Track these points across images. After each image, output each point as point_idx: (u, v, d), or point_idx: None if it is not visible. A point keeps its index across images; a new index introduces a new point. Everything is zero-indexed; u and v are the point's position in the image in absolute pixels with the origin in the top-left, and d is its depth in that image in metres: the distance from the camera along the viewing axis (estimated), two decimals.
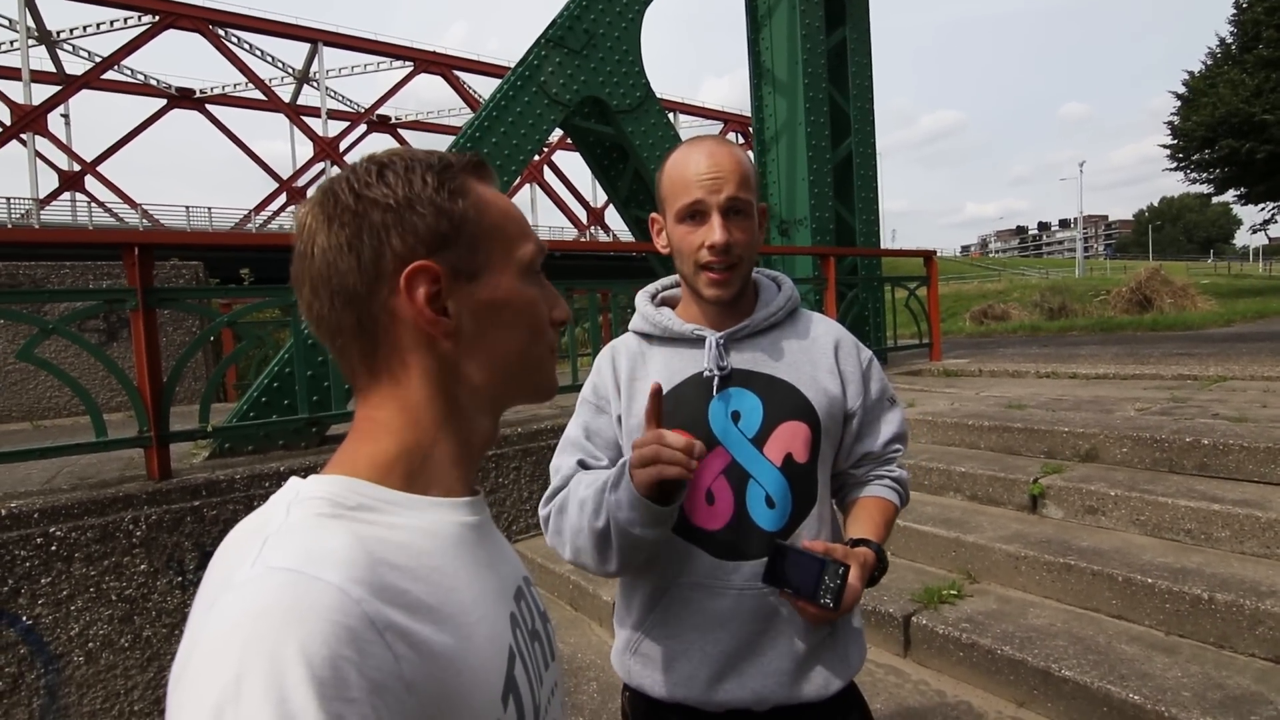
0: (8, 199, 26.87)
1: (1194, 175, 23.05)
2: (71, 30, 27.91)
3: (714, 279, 1.06)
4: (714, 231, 1.04)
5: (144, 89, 30.41)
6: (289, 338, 3.61)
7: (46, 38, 27.39)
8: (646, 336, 1.17)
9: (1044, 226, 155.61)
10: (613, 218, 36.98)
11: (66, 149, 27.63)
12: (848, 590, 0.95)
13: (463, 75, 33.68)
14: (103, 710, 2.57)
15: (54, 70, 28.05)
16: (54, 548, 2.50)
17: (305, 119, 30.80)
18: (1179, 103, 22.34)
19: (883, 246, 7.20)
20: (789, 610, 1.05)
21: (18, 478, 3.01)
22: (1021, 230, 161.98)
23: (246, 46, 29.30)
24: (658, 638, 1.09)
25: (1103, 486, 2.80)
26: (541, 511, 1.13)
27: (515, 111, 5.05)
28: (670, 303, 1.21)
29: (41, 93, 26.29)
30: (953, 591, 2.55)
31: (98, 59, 27.34)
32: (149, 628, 2.66)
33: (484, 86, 32.57)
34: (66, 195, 28.17)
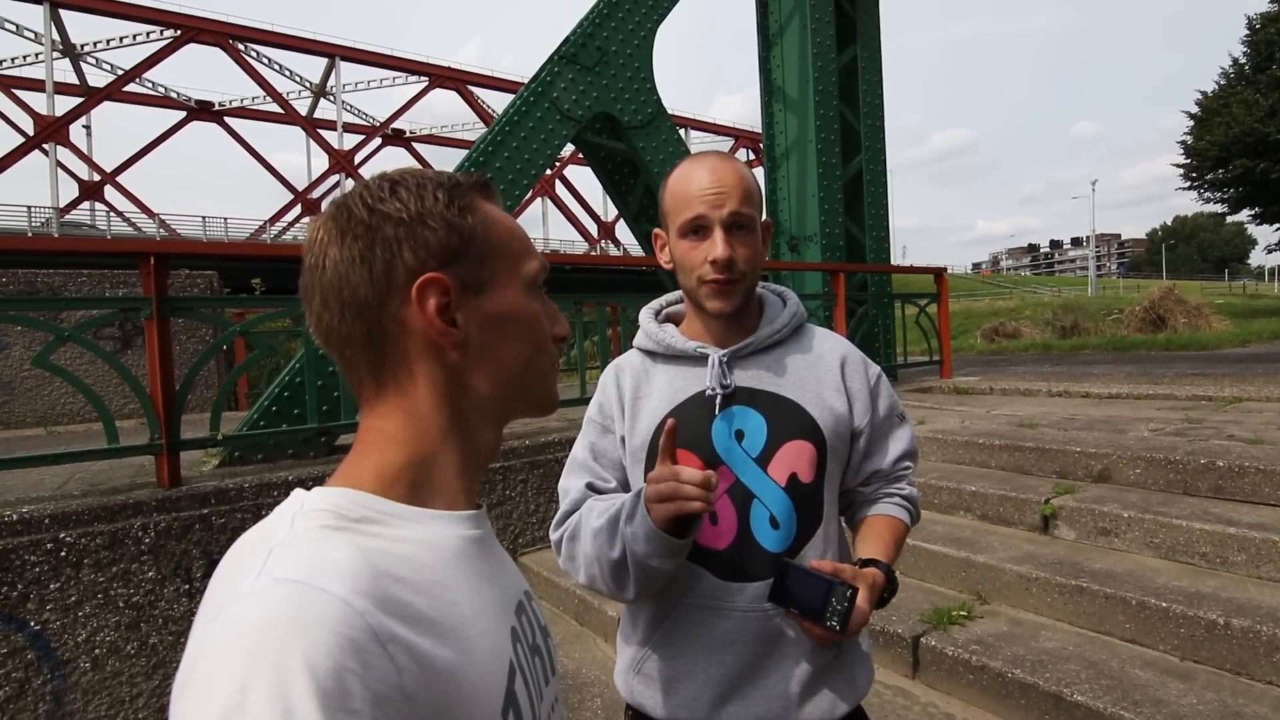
0: (29, 208, 27.32)
1: (1208, 195, 22.91)
2: (95, 44, 28.54)
3: (717, 291, 1.06)
4: (717, 246, 1.03)
5: (164, 101, 30.99)
6: (300, 347, 3.63)
7: (70, 51, 28.01)
8: (650, 354, 1.16)
9: (1056, 244, 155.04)
10: (623, 232, 37.19)
11: (87, 159, 28.14)
12: (855, 613, 0.94)
13: (477, 90, 34.11)
14: (107, 717, 2.57)
15: (77, 82, 28.64)
16: (63, 553, 2.51)
17: (321, 132, 31.26)
18: (1192, 122, 22.27)
19: (893, 263, 7.18)
20: (794, 632, 1.03)
21: (30, 483, 3.04)
22: (1033, 248, 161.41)
23: (265, 61, 29.84)
24: (661, 658, 1.08)
25: (1116, 508, 2.76)
26: (553, 536, 1.13)
27: (528, 127, 5.10)
28: (675, 319, 1.20)
29: (64, 104, 26.84)
30: (963, 612, 2.52)
31: (120, 72, 27.90)
32: (155, 635, 2.66)
33: (498, 101, 32.96)
34: (86, 204, 28.62)
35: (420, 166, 0.68)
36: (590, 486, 1.12)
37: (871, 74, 6.71)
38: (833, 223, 6.35)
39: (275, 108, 30.38)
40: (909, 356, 6.72)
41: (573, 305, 4.49)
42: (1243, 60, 21.48)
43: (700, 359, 1.10)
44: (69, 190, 28.16)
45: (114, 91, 27.68)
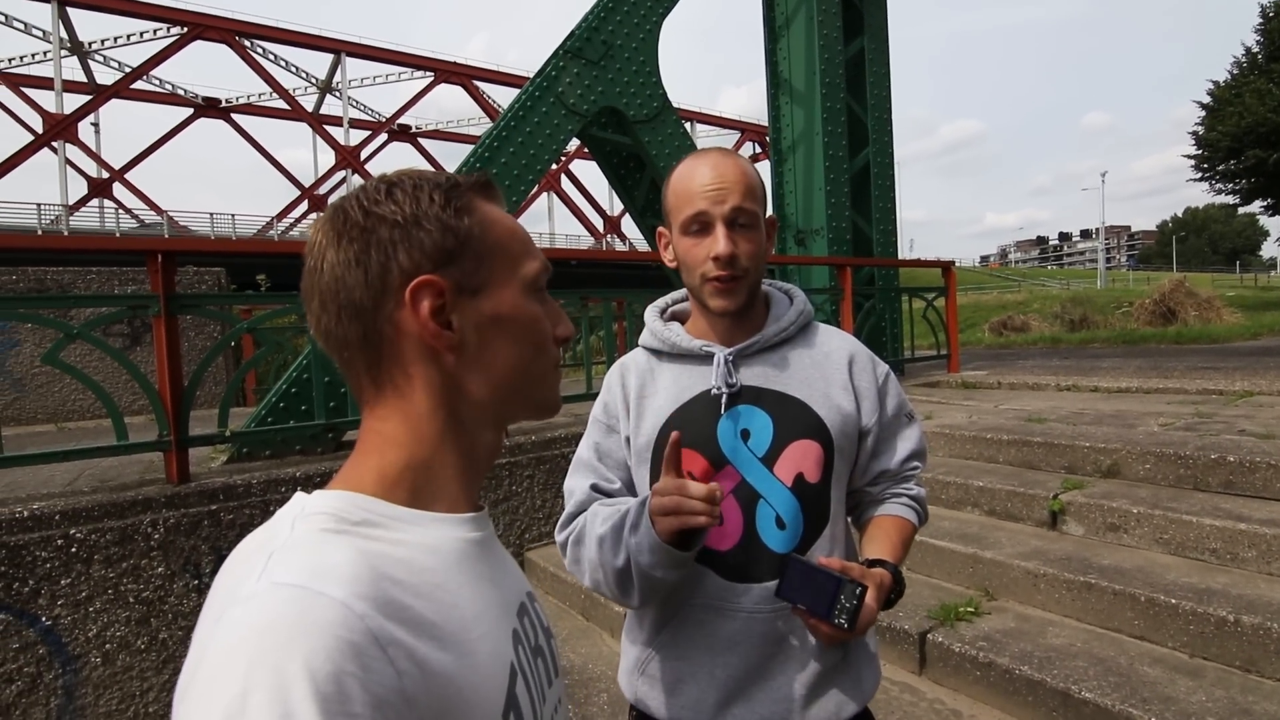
0: (38, 205, 27.51)
1: (1219, 186, 22.69)
2: (103, 41, 28.67)
3: (719, 289, 1.05)
4: (719, 242, 1.02)
5: (171, 98, 31.11)
6: (307, 344, 3.65)
7: (78, 49, 28.14)
8: (656, 353, 1.15)
9: (1065, 237, 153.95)
10: (629, 226, 37.15)
11: (96, 156, 28.31)
12: (864, 611, 0.93)
13: (482, 85, 34.09)
14: (118, 711, 2.59)
15: (85, 80, 28.78)
16: (74, 549, 2.53)
17: (328, 128, 31.33)
18: (1204, 112, 22.03)
19: (900, 257, 7.14)
20: (800, 634, 1.03)
21: (41, 479, 3.06)
22: (1042, 240, 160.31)
23: (271, 57, 29.90)
24: (665, 659, 1.07)
25: (1125, 503, 2.74)
26: (558, 537, 1.13)
27: (533, 121, 5.09)
28: (680, 317, 1.19)
29: (73, 102, 26.99)
30: (970, 609, 2.51)
31: (127, 69, 28.02)
32: (165, 630, 2.68)
33: (503, 96, 32.95)
34: (95, 201, 28.80)
35: (425, 166, 0.68)
36: (595, 488, 1.12)
37: (879, 66, 6.65)
38: (839, 216, 6.31)
39: (282, 104, 30.47)
40: (916, 351, 6.69)
41: (579, 300, 4.48)
42: (1256, 49, 21.22)
43: (706, 358, 1.09)
44: (78, 188, 28.35)
45: (122, 89, 27.82)
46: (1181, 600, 2.19)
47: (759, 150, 40.84)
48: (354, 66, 31.83)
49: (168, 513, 2.72)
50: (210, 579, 2.76)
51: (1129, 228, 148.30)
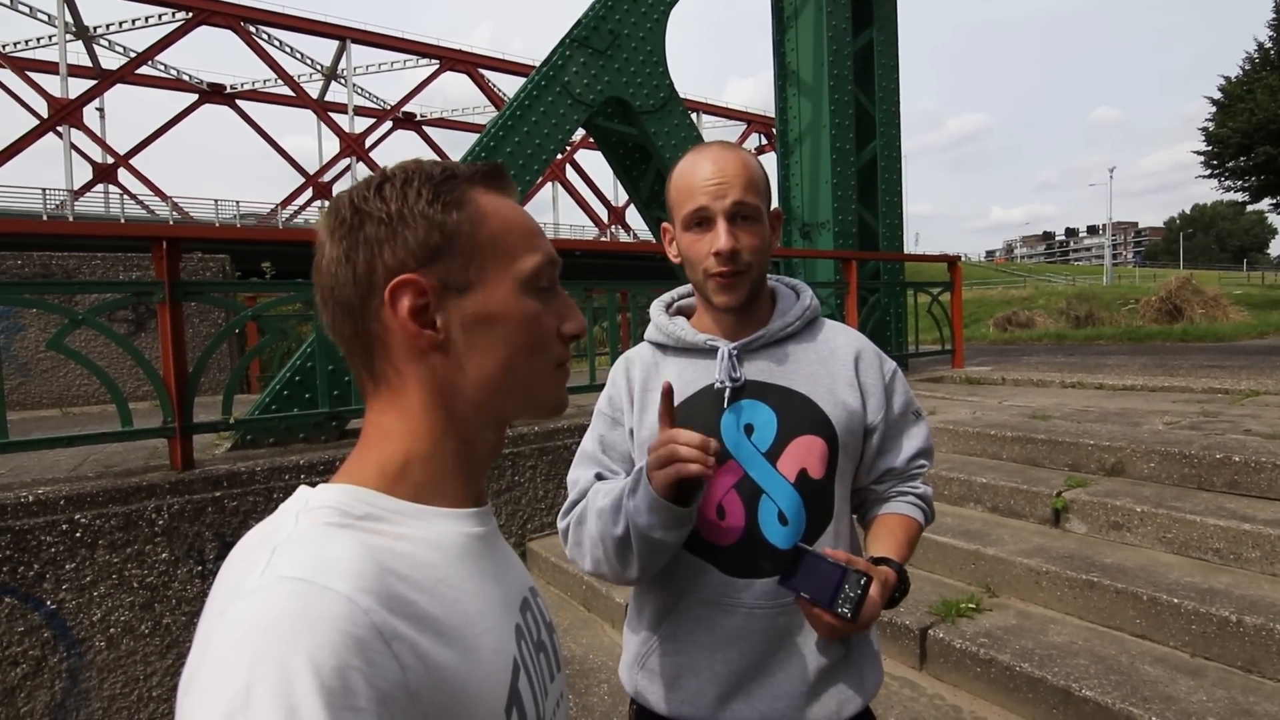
0: (44, 190, 27.53)
1: (1228, 183, 22.54)
2: (108, 26, 28.60)
3: (722, 284, 1.04)
4: (720, 238, 1.01)
5: (176, 84, 31.05)
6: (311, 332, 3.65)
7: (84, 33, 28.08)
8: (661, 346, 1.15)
9: (1071, 232, 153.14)
10: (634, 217, 37.08)
11: (101, 142, 28.30)
12: (868, 603, 0.92)
13: (488, 74, 33.94)
14: (122, 695, 2.61)
15: (90, 65, 28.73)
16: (79, 534, 2.55)
17: (332, 115, 31.24)
18: (1214, 108, 21.85)
19: (906, 251, 7.11)
20: (802, 631, 1.02)
21: (46, 464, 3.08)
22: (1048, 236, 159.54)
23: (277, 43, 29.81)
24: (666, 653, 1.07)
25: (1129, 502, 2.74)
26: (560, 524, 1.13)
27: (539, 111, 5.06)
28: (686, 311, 1.19)
29: (78, 87, 26.94)
30: (971, 605, 2.51)
31: (133, 54, 27.95)
32: (169, 615, 2.70)
33: (509, 85, 32.82)
34: (100, 187, 28.81)
35: (430, 154, 0.66)
36: (599, 479, 1.12)
37: (888, 58, 6.60)
38: (846, 210, 6.28)
39: (287, 91, 30.38)
40: (920, 346, 6.67)
41: (582, 291, 4.47)
42: (1269, 45, 21.01)
43: (710, 352, 1.09)
44: (83, 173, 28.35)
45: (127, 74, 27.77)
46: (1184, 600, 2.19)
47: (765, 142, 40.64)
48: (359, 54, 31.76)
49: (172, 499, 2.73)
50: (214, 565, 2.77)
51: (1136, 224, 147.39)
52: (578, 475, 1.14)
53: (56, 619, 2.51)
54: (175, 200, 29.44)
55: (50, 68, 27.08)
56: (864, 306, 5.79)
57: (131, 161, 28.71)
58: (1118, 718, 1.88)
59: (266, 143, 31.94)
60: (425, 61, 32.76)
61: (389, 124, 34.16)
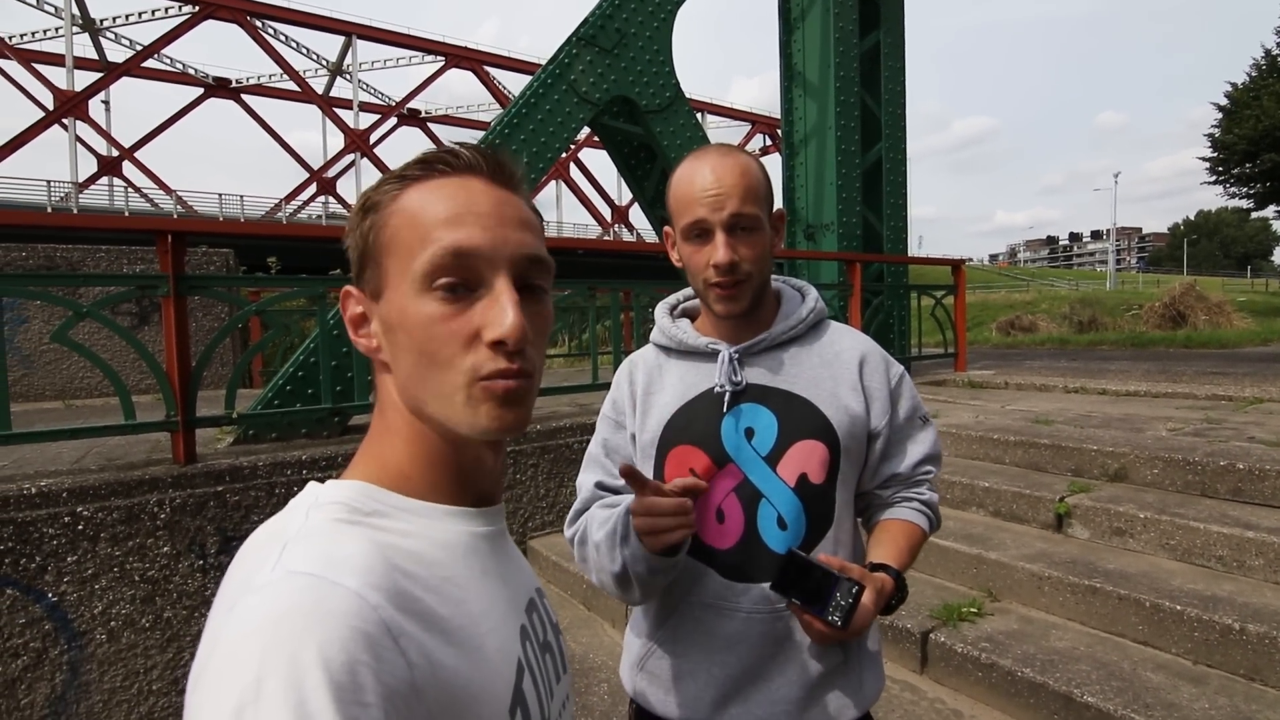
0: (48, 182, 27.57)
1: (1234, 189, 22.51)
2: (114, 19, 28.63)
3: (722, 295, 1.04)
4: (718, 251, 1.01)
5: (182, 78, 31.06)
6: (315, 327, 3.65)
7: (90, 25, 28.11)
8: (665, 349, 1.15)
9: (1075, 237, 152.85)
10: (637, 216, 37.03)
11: (106, 135, 28.31)
12: (860, 611, 0.93)
13: (493, 71, 33.93)
14: (122, 688, 2.62)
15: (96, 57, 28.75)
16: (80, 527, 2.55)
17: (337, 111, 31.24)
18: (1220, 115, 21.81)
19: (910, 253, 7.10)
20: (800, 636, 1.02)
21: (48, 456, 3.08)
22: (1052, 240, 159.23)
23: (282, 38, 29.82)
24: (665, 656, 1.08)
25: (1132, 508, 2.73)
26: (566, 533, 1.15)
27: (544, 109, 5.05)
28: (691, 314, 1.19)
29: (84, 79, 26.97)
30: (973, 609, 2.51)
31: (139, 47, 27.95)
32: (170, 609, 2.70)
33: (514, 83, 32.81)
34: (105, 180, 28.84)
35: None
36: (600, 484, 1.13)
37: (894, 60, 6.59)
38: (850, 212, 6.27)
39: (292, 86, 30.39)
40: (923, 349, 6.66)
41: (586, 290, 4.47)
42: (1275, 51, 20.96)
43: (712, 355, 1.09)
44: (87, 166, 28.38)
45: (133, 67, 27.77)
46: (1186, 606, 2.18)
47: (769, 143, 40.60)
48: (365, 49, 31.74)
49: (174, 493, 2.73)
50: (215, 560, 2.77)
51: (1140, 229, 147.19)
52: (582, 480, 1.16)
53: (58, 611, 2.51)
54: (180, 194, 29.47)
55: (56, 60, 27.09)
56: (867, 309, 5.78)
57: (136, 155, 28.74)
58: None
59: (271, 138, 31.94)
60: (431, 58, 32.75)
61: (394, 120, 34.15)
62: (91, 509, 2.57)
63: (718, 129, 39.06)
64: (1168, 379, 5.38)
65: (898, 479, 1.13)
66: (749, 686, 1.03)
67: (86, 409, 5.50)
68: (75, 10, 26.66)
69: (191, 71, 31.05)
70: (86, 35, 28.23)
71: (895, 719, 2.16)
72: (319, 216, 32.00)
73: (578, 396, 4.47)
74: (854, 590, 0.91)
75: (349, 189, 32.04)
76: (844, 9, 6.16)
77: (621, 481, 1.12)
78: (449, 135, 37.32)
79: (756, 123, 41.42)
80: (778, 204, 1.12)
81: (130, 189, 29.12)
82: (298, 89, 30.32)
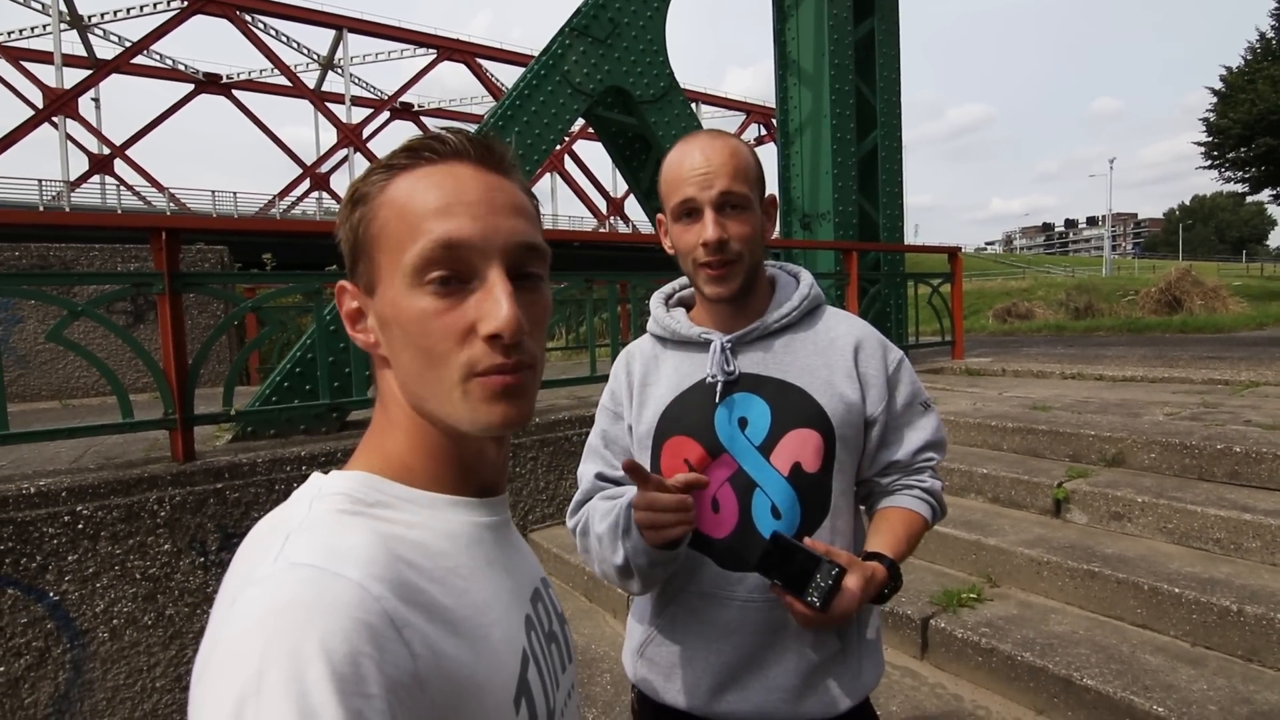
0: (39, 181, 27.38)
1: (1229, 174, 22.52)
2: (103, 15, 28.35)
3: (712, 275, 1.03)
4: (707, 228, 1.01)
5: (172, 74, 30.82)
6: (311, 323, 3.64)
7: (78, 22, 27.84)
8: (661, 340, 1.15)
9: (1071, 224, 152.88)
10: (632, 208, 36.95)
11: (96, 132, 28.11)
12: (843, 596, 0.92)
13: (486, 63, 33.71)
14: (125, 685, 2.62)
15: (85, 54, 28.50)
16: (81, 526, 2.55)
17: (329, 105, 31.04)
18: (1215, 99, 21.78)
19: (906, 242, 7.10)
20: (795, 625, 1.02)
21: (46, 456, 3.07)
22: (1048, 227, 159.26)
23: (273, 32, 29.57)
24: (664, 643, 1.09)
25: (1129, 492, 2.74)
26: (568, 523, 1.15)
27: (538, 101, 5.03)
28: (687, 303, 1.19)
29: (73, 76, 26.74)
30: (973, 595, 2.52)
31: (128, 43, 27.72)
32: (171, 606, 2.70)
33: (507, 74, 32.61)
34: (96, 178, 28.65)
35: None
36: (600, 475, 1.14)
37: (889, 48, 6.56)
38: (846, 200, 6.26)
39: (283, 80, 30.17)
40: (920, 337, 6.66)
41: (583, 282, 4.46)
42: (1271, 35, 20.93)
43: (706, 345, 1.08)
44: (79, 164, 28.19)
45: (122, 64, 27.52)
46: (1185, 589, 2.19)
47: (765, 132, 40.47)
48: (356, 43, 31.61)
49: (173, 490, 2.73)
50: (216, 557, 2.78)
51: (1135, 215, 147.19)
52: (583, 471, 1.17)
53: (59, 610, 2.52)
54: (172, 192, 29.30)
55: (45, 57, 26.85)
56: (864, 297, 5.78)
57: (128, 152, 28.55)
58: (1119, 706, 1.88)
59: (263, 133, 31.75)
60: (423, 51, 32.52)
61: (386, 114, 33.94)
62: (91, 508, 2.57)
63: (712, 119, 38.91)
64: (1164, 364, 5.40)
65: (897, 466, 1.12)
66: (746, 674, 1.03)
67: (83, 408, 5.49)
68: (63, 7, 26.41)
69: (181, 67, 30.80)
70: (75, 32, 27.97)
71: (896, 705, 2.17)
72: (313, 213, 31.84)
73: (576, 389, 4.47)
74: (834, 572, 0.91)
75: (342, 184, 31.87)
76: None
77: (621, 472, 1.12)
78: (443, 128, 37.07)
79: (751, 112, 41.27)
80: (772, 192, 1.12)
81: (122, 187, 28.94)
82: (289, 84, 30.11)
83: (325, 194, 31.98)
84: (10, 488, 2.49)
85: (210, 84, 31.33)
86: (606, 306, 4.78)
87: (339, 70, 31.55)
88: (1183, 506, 2.58)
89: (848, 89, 6.23)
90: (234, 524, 2.83)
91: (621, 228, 37.07)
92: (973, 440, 3.73)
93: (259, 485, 2.90)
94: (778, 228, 7.14)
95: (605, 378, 1.19)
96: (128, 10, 27.68)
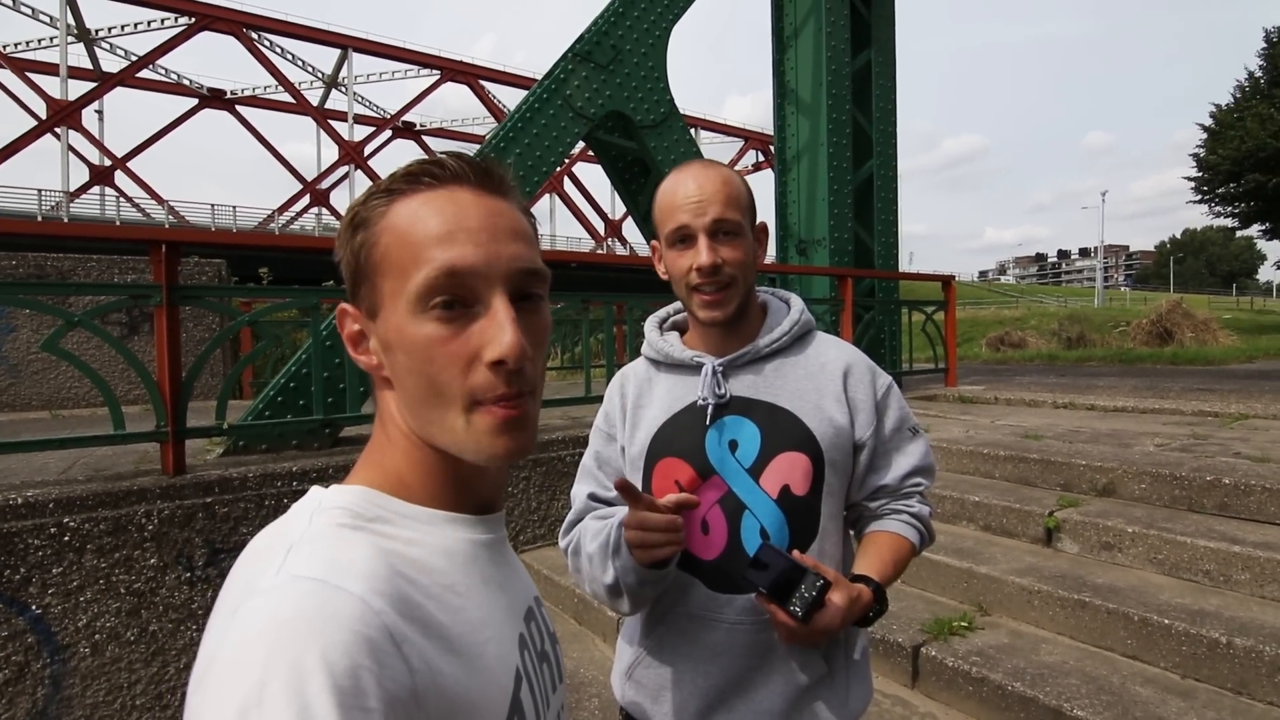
0: (39, 191, 27.43)
1: (1218, 209, 22.84)
2: (110, 29, 28.63)
3: (706, 299, 1.05)
4: (701, 253, 1.03)
5: (177, 88, 31.06)
6: (307, 338, 3.64)
7: (85, 35, 28.10)
8: (654, 363, 1.17)
9: (1064, 254, 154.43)
10: (630, 230, 37.17)
11: (99, 144, 28.22)
12: (826, 610, 0.93)
13: (489, 85, 34.08)
14: (105, 703, 2.58)
15: (90, 67, 28.72)
16: (66, 538, 2.52)
17: (332, 123, 31.29)
18: (1205, 135, 22.17)
19: (900, 269, 7.17)
20: (783, 648, 1.02)
21: (35, 466, 3.05)
22: (1041, 257, 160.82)
23: (278, 50, 29.89)
24: (652, 664, 1.09)
25: (1120, 523, 2.75)
26: (560, 543, 1.16)
27: (540, 123, 5.10)
28: (681, 327, 1.21)
29: (77, 89, 26.91)
30: (963, 623, 2.51)
31: (134, 58, 27.96)
32: (155, 622, 2.67)
33: (509, 97, 32.97)
34: (96, 189, 28.72)
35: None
36: (592, 496, 1.15)
37: (885, 79, 6.69)
38: (842, 227, 6.34)
39: (287, 97, 30.43)
40: (914, 364, 6.70)
41: (579, 303, 4.49)
42: (1259, 74, 21.37)
43: (697, 368, 1.10)
44: (79, 175, 28.26)
45: (127, 77, 27.75)
46: (1174, 621, 2.19)
47: (762, 159, 40.91)
48: (360, 62, 31.85)
49: (162, 504, 2.70)
50: (203, 572, 2.75)
51: (1127, 247, 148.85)
52: (575, 492, 1.18)
53: (41, 624, 2.48)
54: (172, 204, 29.37)
55: (50, 69, 27.04)
56: (859, 324, 5.82)
57: (129, 165, 28.66)
58: None
59: (265, 149, 31.93)
60: (426, 71, 32.90)
61: (388, 133, 34.22)
62: (78, 520, 2.54)
63: (711, 144, 39.37)
64: (1155, 395, 5.44)
65: (885, 491, 1.13)
66: (733, 697, 1.03)
67: (74, 419, 5.45)
68: (70, 20, 26.66)
69: (186, 82, 31.06)
70: (82, 45, 28.22)
71: None
72: (312, 228, 31.94)
73: (570, 409, 4.47)
74: (818, 584, 0.92)
75: (343, 200, 32.05)
76: (836, 28, 6.25)
77: (614, 493, 1.13)
78: (443, 148, 37.34)
79: (749, 139, 41.76)
80: (763, 220, 1.14)
81: (122, 198, 29.01)
82: (293, 100, 30.37)
83: (325, 210, 32.10)
84: None
85: (214, 99, 31.57)
86: (603, 327, 4.80)
87: (343, 88, 31.87)
88: (1173, 537, 2.59)
89: (844, 118, 6.34)
90: (222, 539, 2.80)
91: (619, 249, 37.29)
92: (965, 468, 3.74)
93: (249, 500, 2.88)
94: (774, 253, 7.19)
95: (600, 398, 1.20)
96: (135, 25, 27.97)
